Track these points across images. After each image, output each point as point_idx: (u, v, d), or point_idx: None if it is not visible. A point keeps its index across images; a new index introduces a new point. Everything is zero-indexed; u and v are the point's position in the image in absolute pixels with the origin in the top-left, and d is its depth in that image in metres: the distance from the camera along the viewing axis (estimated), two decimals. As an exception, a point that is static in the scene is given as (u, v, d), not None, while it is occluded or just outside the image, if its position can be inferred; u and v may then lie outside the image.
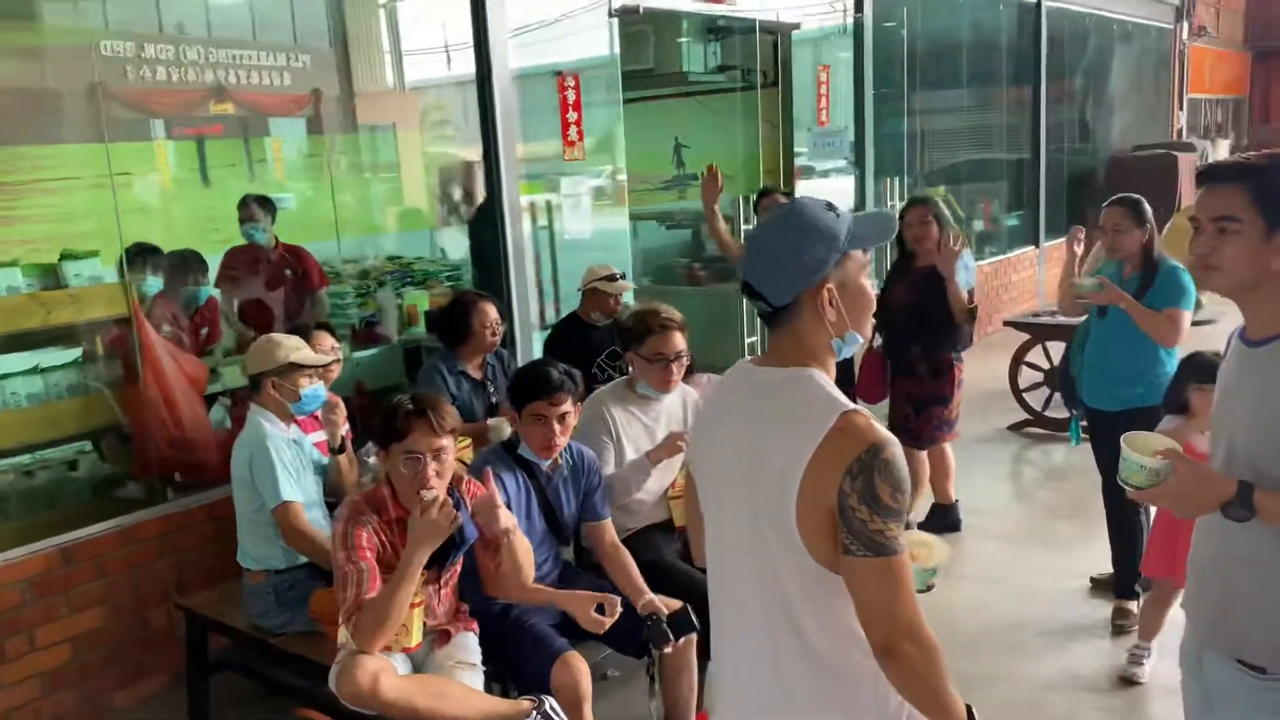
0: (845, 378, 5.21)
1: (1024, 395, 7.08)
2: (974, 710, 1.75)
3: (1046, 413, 6.95)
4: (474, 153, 5.64)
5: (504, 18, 5.27)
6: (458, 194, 6.78)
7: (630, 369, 3.73)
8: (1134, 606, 4.20)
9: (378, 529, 2.76)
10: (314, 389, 3.57)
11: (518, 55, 5.43)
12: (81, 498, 4.32)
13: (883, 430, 1.69)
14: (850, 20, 7.78)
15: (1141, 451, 2.05)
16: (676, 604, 3.14)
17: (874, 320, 4.96)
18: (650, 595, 3.16)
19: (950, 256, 4.66)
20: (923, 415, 4.89)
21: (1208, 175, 2.09)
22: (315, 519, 3.49)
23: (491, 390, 4.60)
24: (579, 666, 2.92)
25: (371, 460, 4.02)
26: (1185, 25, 14.60)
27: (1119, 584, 4.31)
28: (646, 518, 3.59)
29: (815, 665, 1.76)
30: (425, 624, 2.83)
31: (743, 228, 7.05)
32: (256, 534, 3.48)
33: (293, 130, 6.26)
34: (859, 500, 1.63)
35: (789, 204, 1.82)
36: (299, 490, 3.43)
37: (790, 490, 1.68)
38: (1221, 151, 13.53)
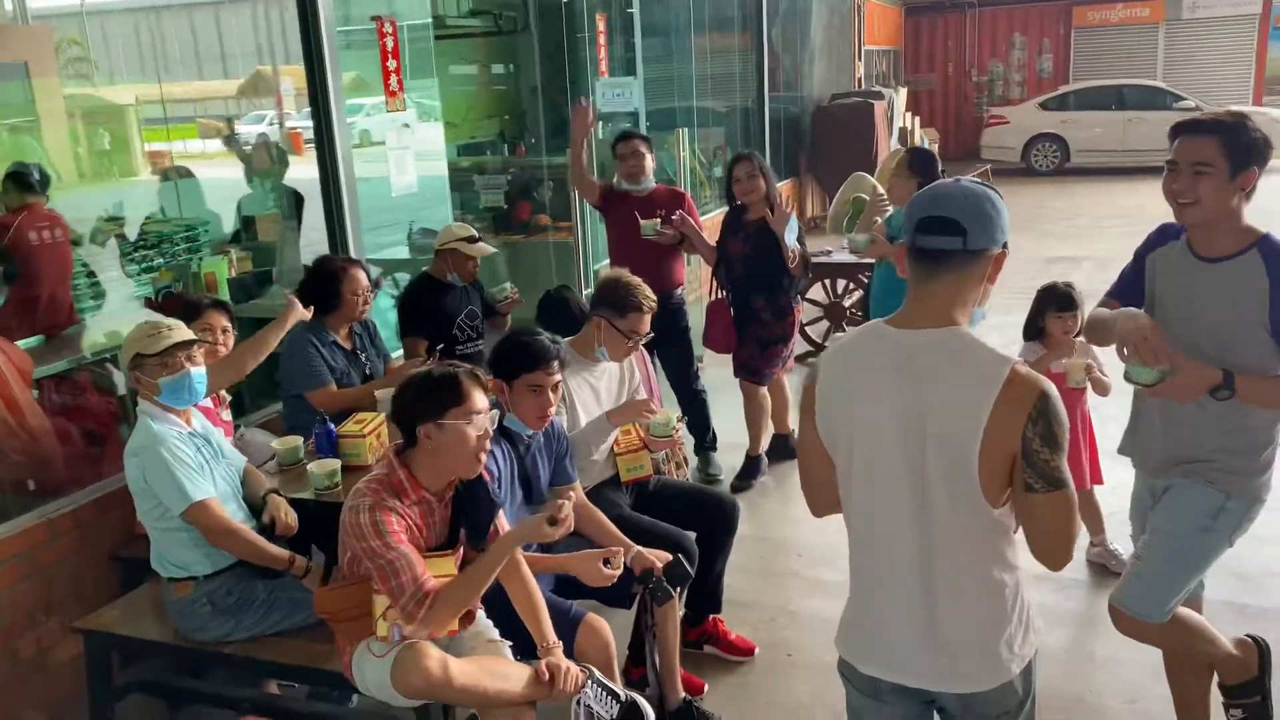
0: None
1: (806, 329, 7.64)
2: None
3: (827, 344, 7.56)
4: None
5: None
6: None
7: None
8: None
9: (402, 513, 2.61)
10: (175, 380, 3.05)
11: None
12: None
13: (1043, 377, 1.88)
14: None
15: None
16: (664, 555, 3.22)
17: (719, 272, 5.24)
18: (637, 548, 3.21)
19: (782, 220, 4.92)
20: (766, 353, 5.20)
21: (1188, 127, 2.57)
22: (234, 514, 3.17)
23: (364, 360, 4.38)
24: (603, 629, 2.94)
25: (274, 444, 3.72)
26: (860, -18, 15.98)
27: None
28: (598, 476, 3.61)
29: (970, 589, 1.95)
30: (452, 606, 2.72)
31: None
32: (171, 542, 3.09)
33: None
34: (1041, 443, 1.82)
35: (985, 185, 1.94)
36: (209, 484, 3.05)
37: (972, 440, 1.83)
38: (901, 98, 15.01)
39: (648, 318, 3.62)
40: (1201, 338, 2.59)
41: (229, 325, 3.69)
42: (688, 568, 3.18)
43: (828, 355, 2.06)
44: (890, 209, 5.00)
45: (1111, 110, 17.15)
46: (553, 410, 3.10)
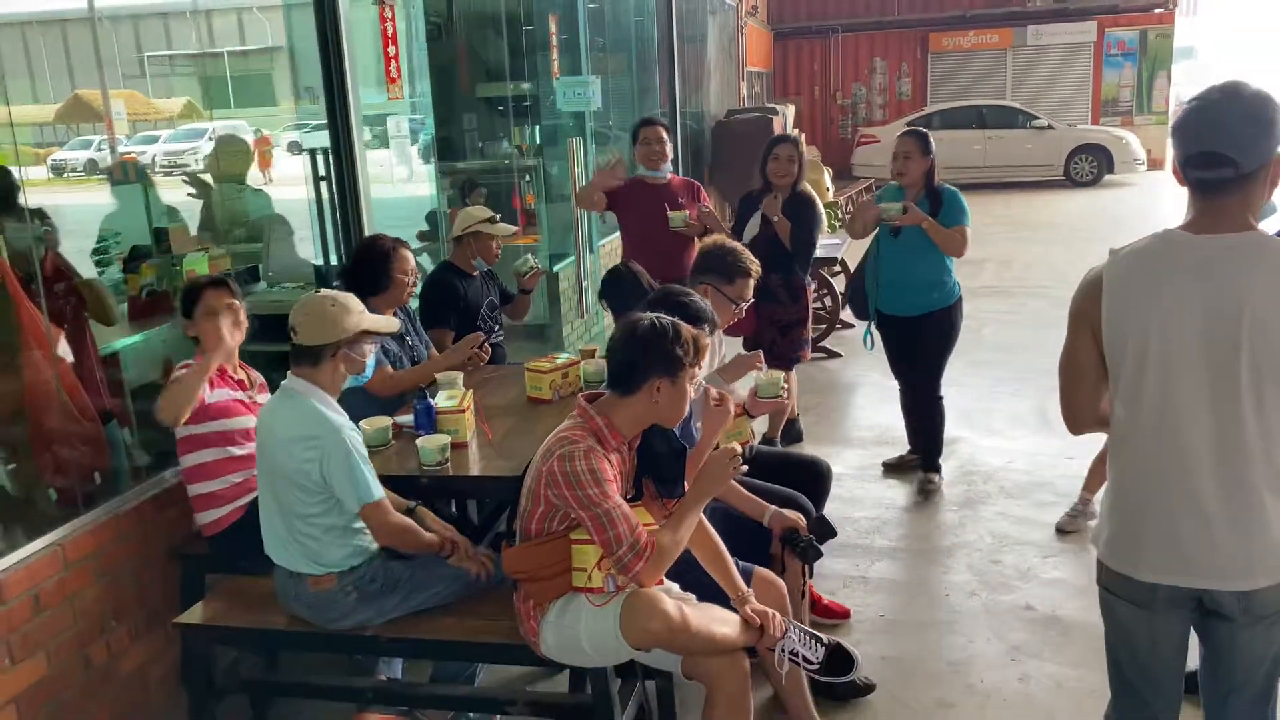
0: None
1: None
2: None
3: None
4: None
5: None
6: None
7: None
8: (936, 477, 5.04)
9: (611, 461, 2.53)
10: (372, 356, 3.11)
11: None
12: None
13: None
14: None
15: None
16: (796, 514, 3.22)
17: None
18: (773, 509, 3.21)
19: (772, 207, 5.08)
20: (788, 338, 5.29)
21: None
22: None
23: (411, 344, 4.22)
24: (777, 581, 2.92)
25: (362, 424, 3.52)
26: (742, 4, 16.43)
27: (925, 459, 5.09)
28: (701, 443, 3.58)
29: (1262, 487, 2.02)
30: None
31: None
32: (327, 539, 2.85)
33: None
34: None
35: (1234, 81, 2.02)
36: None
37: None
38: (790, 114, 15.48)
39: (754, 283, 3.63)
40: None
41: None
42: (832, 525, 3.19)
43: (1115, 265, 2.11)
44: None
45: (973, 129, 18.18)
46: (701, 373, 3.06)
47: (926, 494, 4.95)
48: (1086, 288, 2.17)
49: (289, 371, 2.89)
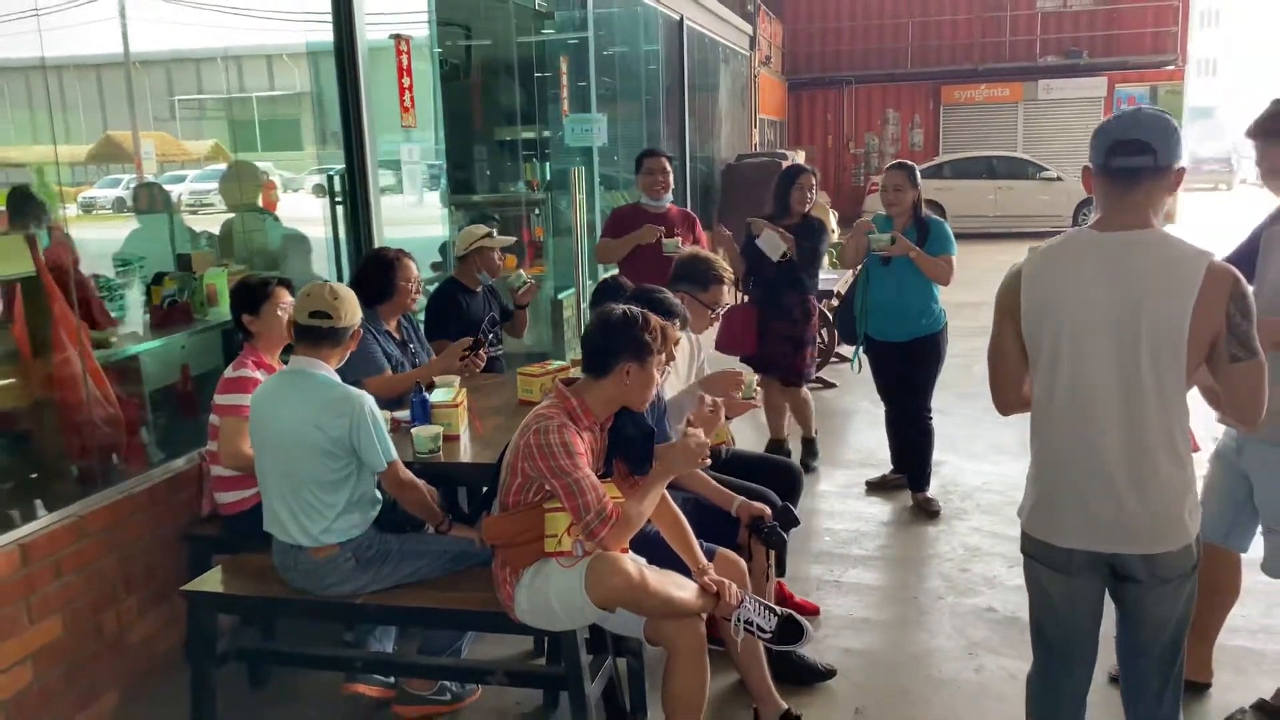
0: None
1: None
2: None
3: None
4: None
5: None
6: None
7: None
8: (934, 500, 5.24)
9: (583, 437, 2.77)
10: None
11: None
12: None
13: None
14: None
15: None
16: (762, 505, 3.44)
17: (745, 274, 5.53)
18: (740, 499, 3.43)
19: (770, 240, 5.37)
20: (799, 354, 5.54)
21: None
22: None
23: (413, 350, 4.48)
24: (738, 560, 3.14)
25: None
26: (755, 55, 16.88)
27: (916, 480, 5.28)
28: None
29: (1165, 460, 2.26)
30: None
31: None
32: (343, 509, 3.07)
33: None
34: (1241, 317, 2.18)
35: (1142, 105, 2.28)
36: None
37: (1184, 319, 2.17)
38: (800, 159, 15.80)
39: (726, 289, 3.88)
40: None
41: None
42: (796, 514, 3.40)
43: (1032, 261, 2.36)
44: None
45: (983, 179, 18.50)
46: (670, 365, 3.30)
47: (933, 514, 5.11)
48: (1009, 281, 2.42)
49: (290, 356, 3.15)
